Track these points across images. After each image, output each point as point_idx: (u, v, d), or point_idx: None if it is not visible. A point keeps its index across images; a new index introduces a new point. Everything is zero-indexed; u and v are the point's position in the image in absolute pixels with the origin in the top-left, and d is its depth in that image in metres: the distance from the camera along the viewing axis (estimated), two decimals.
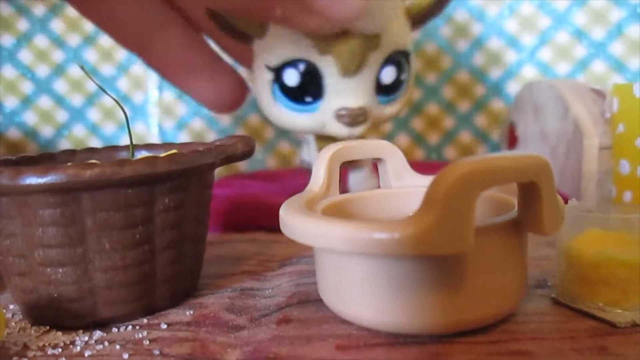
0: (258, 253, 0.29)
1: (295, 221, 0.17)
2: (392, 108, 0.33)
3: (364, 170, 0.37)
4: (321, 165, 0.22)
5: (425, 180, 0.23)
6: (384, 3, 0.29)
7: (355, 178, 0.35)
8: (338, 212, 0.21)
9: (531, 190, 0.16)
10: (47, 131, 0.58)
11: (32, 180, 0.18)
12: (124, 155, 0.27)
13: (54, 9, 0.57)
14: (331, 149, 0.22)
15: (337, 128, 0.30)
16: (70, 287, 0.20)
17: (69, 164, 0.23)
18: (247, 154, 0.23)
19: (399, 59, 0.31)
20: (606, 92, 0.28)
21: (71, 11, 0.57)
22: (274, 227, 0.34)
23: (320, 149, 0.33)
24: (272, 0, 0.28)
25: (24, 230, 0.19)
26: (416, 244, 0.15)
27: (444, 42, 0.56)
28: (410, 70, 0.33)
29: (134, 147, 0.26)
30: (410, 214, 0.16)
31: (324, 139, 0.33)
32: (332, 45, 0.29)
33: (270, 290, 0.23)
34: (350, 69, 0.29)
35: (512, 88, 0.55)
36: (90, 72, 0.58)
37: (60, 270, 0.20)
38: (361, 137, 0.31)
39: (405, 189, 0.23)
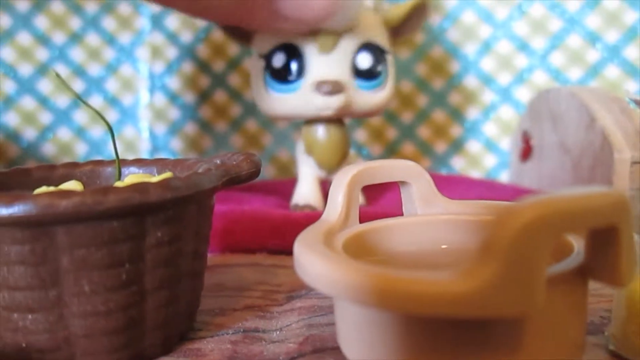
0: (261, 282, 0.26)
1: (317, 266, 0.14)
2: (374, 96, 0.36)
3: None
4: (339, 190, 0.19)
5: (457, 206, 0.20)
6: (351, 2, 0.33)
7: None
8: (361, 247, 0.18)
9: (607, 233, 0.13)
10: (29, 133, 0.54)
11: None
12: (110, 171, 0.24)
13: (38, 4, 0.53)
14: (350, 171, 0.19)
15: (318, 100, 0.33)
16: (41, 336, 0.17)
17: (43, 188, 0.19)
18: (253, 174, 0.20)
19: (374, 49, 0.35)
20: None
21: (56, 7, 0.54)
22: (277, 248, 0.31)
23: (305, 137, 0.36)
24: (247, 8, 0.31)
25: None
26: (471, 304, 0.12)
27: (450, 45, 0.53)
28: (388, 68, 0.36)
29: (120, 164, 0.23)
30: (462, 264, 0.13)
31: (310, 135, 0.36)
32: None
33: (278, 332, 0.20)
34: (327, 45, 0.34)
35: (523, 94, 0.52)
36: (76, 71, 0.54)
37: (30, 316, 0.16)
38: (339, 111, 0.34)
39: (435, 216, 0.20)
